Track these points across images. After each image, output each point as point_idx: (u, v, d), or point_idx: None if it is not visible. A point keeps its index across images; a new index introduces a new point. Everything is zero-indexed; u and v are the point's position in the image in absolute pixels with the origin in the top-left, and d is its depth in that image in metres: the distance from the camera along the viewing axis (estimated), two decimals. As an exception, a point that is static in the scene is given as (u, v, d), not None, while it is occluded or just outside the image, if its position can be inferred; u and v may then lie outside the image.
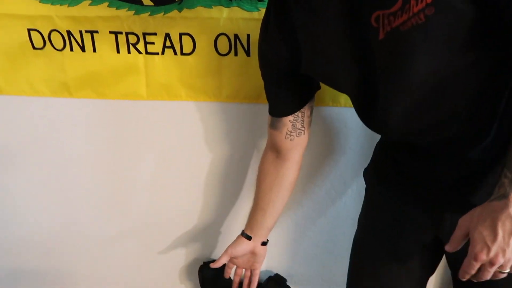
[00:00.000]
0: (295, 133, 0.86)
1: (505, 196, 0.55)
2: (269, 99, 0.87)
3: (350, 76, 0.69)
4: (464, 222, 0.60)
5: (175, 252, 1.27)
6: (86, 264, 1.31)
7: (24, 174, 1.18)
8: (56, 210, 1.22)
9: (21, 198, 1.21)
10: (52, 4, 0.94)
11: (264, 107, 1.02)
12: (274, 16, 0.74)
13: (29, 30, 0.98)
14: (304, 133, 0.87)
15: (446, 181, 0.75)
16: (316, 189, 1.17)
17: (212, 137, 1.11)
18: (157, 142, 1.13)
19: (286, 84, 0.82)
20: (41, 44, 0.99)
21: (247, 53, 0.97)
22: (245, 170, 1.15)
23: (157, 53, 0.99)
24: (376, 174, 0.92)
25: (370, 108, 0.71)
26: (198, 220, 1.23)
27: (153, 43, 0.98)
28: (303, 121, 0.86)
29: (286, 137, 0.87)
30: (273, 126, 0.87)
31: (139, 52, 0.99)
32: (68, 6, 0.94)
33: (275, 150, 0.91)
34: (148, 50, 0.99)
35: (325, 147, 1.11)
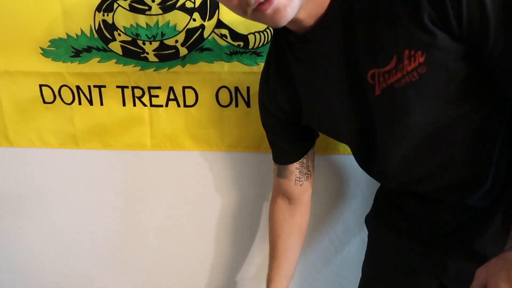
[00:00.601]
0: (303, 178, 0.88)
1: None
2: (273, 148, 0.89)
3: (349, 128, 0.72)
4: (481, 273, 0.60)
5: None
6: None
7: (33, 223, 1.19)
8: (64, 258, 1.23)
9: (30, 247, 1.22)
10: (63, 62, 1.00)
11: (265, 156, 1.05)
12: (274, 69, 0.78)
13: (40, 86, 1.04)
14: (311, 176, 0.90)
15: (448, 227, 0.76)
16: (319, 237, 1.17)
17: (215, 186, 1.13)
18: (163, 192, 1.15)
19: (289, 133, 0.84)
20: (52, 99, 1.05)
21: (247, 104, 1.02)
22: (251, 218, 1.16)
23: (161, 106, 1.04)
24: (378, 220, 0.93)
25: (369, 158, 0.74)
26: (210, 269, 1.22)
27: (157, 96, 1.03)
28: (309, 165, 0.88)
29: (296, 183, 0.88)
30: (281, 175, 0.89)
31: (144, 104, 1.04)
32: (78, 64, 1.00)
33: (285, 197, 0.92)
34: (153, 103, 1.03)
35: (327, 195, 1.12)
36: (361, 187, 1.11)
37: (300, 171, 0.87)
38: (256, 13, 0.57)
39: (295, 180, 0.88)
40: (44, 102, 1.05)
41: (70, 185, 1.15)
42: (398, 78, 0.59)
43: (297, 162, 0.86)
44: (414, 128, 0.64)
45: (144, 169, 1.12)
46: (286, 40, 0.72)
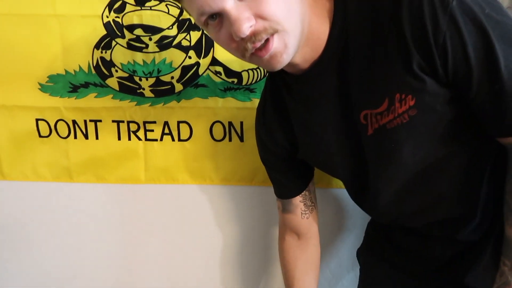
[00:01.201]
0: (309, 211, 0.89)
1: (507, 284, 0.58)
2: (274, 183, 0.90)
3: (342, 165, 0.75)
4: None
5: None
6: None
7: (27, 257, 1.19)
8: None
9: (21, 283, 1.21)
10: (61, 97, 1.03)
11: (258, 189, 1.07)
12: (271, 106, 0.81)
13: (37, 120, 1.06)
14: (315, 207, 0.91)
15: (439, 261, 0.77)
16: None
17: (209, 219, 1.14)
18: (158, 226, 1.15)
19: (288, 167, 0.86)
20: (47, 133, 1.07)
21: (241, 138, 1.04)
22: (248, 251, 1.16)
23: (156, 140, 1.06)
24: (369, 253, 0.94)
25: (362, 193, 0.76)
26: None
27: (152, 130, 1.05)
28: (311, 197, 0.89)
29: (303, 217, 0.89)
30: (286, 210, 0.89)
31: (139, 139, 1.06)
32: (75, 99, 1.03)
33: (294, 233, 0.91)
34: (148, 137, 1.06)
35: (320, 229, 1.13)
36: (355, 220, 1.12)
37: (304, 204, 0.88)
38: (253, 57, 0.61)
39: (301, 213, 0.88)
40: (40, 136, 1.07)
41: (63, 219, 1.15)
42: (390, 120, 0.63)
43: (300, 195, 0.87)
44: (405, 166, 0.67)
45: (138, 203, 1.13)
46: (282, 80, 0.75)
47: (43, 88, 1.02)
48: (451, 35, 0.55)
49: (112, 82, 1.01)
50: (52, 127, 1.06)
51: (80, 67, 1.00)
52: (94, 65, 1.00)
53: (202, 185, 1.11)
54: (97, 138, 1.06)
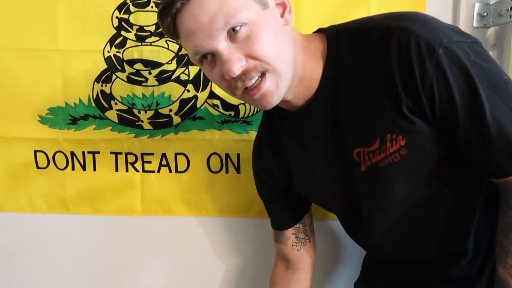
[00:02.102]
0: (300, 243, 0.92)
1: None
2: (269, 214, 0.94)
3: (336, 199, 0.78)
4: None
5: None
6: None
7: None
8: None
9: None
10: (60, 128, 1.05)
11: (254, 221, 1.08)
12: (266, 140, 0.84)
13: (35, 152, 1.08)
14: (309, 241, 0.93)
15: None
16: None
17: (205, 251, 1.15)
18: (153, 257, 1.15)
19: (283, 200, 0.89)
20: (45, 164, 1.09)
21: (237, 170, 1.07)
22: (243, 282, 1.17)
23: (153, 171, 1.08)
24: (366, 286, 0.95)
25: (355, 228, 0.79)
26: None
27: (150, 162, 1.08)
28: (306, 230, 0.92)
29: (293, 248, 0.92)
30: (278, 240, 0.93)
31: (137, 170, 1.08)
32: (74, 131, 1.05)
33: (284, 260, 0.95)
34: (145, 169, 1.08)
35: (316, 261, 1.14)
36: (351, 253, 1.13)
37: (296, 236, 0.91)
38: (244, 95, 0.65)
39: (292, 245, 0.92)
40: (38, 167, 1.09)
41: (57, 250, 1.15)
42: (382, 158, 0.66)
43: (293, 228, 0.91)
44: (396, 202, 0.70)
45: (134, 234, 1.14)
46: (277, 115, 0.79)
47: (42, 120, 1.05)
48: (437, 79, 0.58)
49: (111, 115, 1.04)
50: (50, 159, 1.08)
51: (80, 100, 1.04)
52: (94, 98, 1.03)
53: (198, 217, 1.12)
54: (94, 169, 1.08)
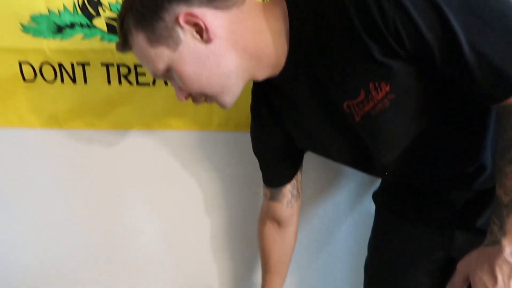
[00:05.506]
0: (294, 200, 0.99)
1: (497, 242, 0.61)
2: (265, 172, 0.98)
3: (340, 151, 0.82)
4: (462, 267, 0.67)
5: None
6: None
7: (11, 208, 1.22)
8: (44, 249, 1.27)
9: (6, 236, 1.26)
10: (45, 37, 1.02)
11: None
12: (264, 106, 0.87)
13: (20, 63, 1.05)
14: (300, 197, 1.00)
15: (454, 206, 0.85)
16: (310, 218, 1.24)
17: (202, 167, 1.18)
18: (149, 172, 1.19)
19: (283, 157, 0.93)
20: (32, 77, 1.07)
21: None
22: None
23: (148, 84, 1.08)
24: (385, 196, 1.01)
25: (368, 166, 0.83)
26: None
27: (144, 74, 1.07)
28: (298, 187, 0.98)
29: (287, 206, 0.99)
30: (274, 198, 0.98)
31: (130, 83, 1.07)
32: (61, 40, 1.03)
33: (275, 220, 1.02)
34: (139, 81, 1.07)
35: (317, 175, 1.19)
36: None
37: (292, 193, 0.97)
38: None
39: (287, 203, 0.98)
40: (24, 80, 1.08)
41: (52, 167, 1.19)
42: (372, 106, 0.67)
43: (289, 184, 0.96)
44: (397, 140, 0.73)
45: (129, 150, 1.17)
46: (265, 86, 0.82)
47: (25, 29, 1.02)
48: (400, 19, 0.57)
49: (100, 23, 1.01)
50: (37, 71, 1.06)
51: (64, 7, 0.99)
52: (80, 4, 0.99)
53: (196, 131, 1.14)
54: (85, 82, 1.07)
